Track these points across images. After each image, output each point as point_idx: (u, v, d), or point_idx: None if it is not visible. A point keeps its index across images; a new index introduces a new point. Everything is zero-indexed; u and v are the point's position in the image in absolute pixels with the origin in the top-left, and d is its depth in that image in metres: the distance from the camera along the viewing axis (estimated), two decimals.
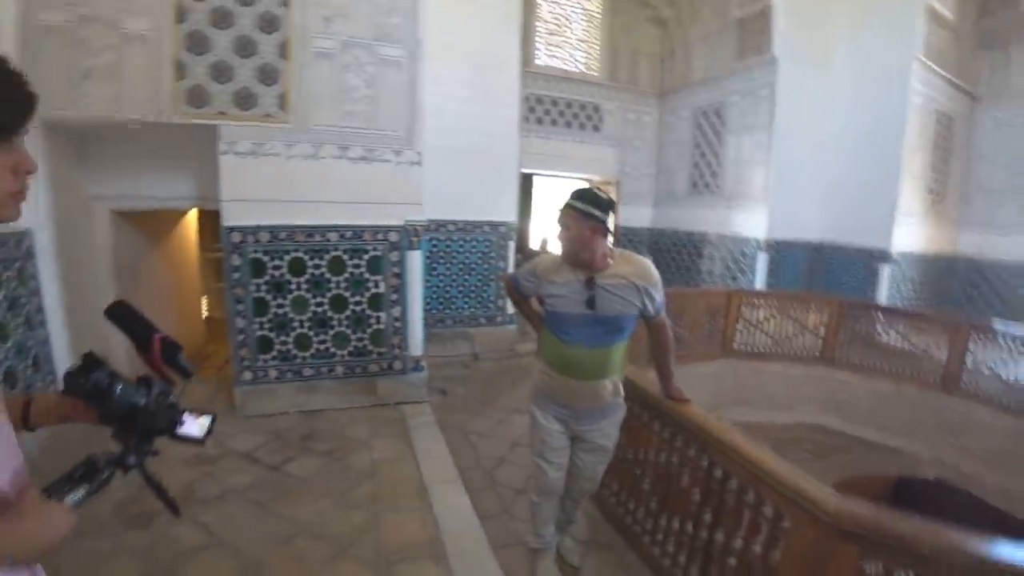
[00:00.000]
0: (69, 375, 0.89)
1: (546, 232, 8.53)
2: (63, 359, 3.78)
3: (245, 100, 3.70)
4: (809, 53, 7.14)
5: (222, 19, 3.66)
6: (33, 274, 3.51)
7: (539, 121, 8.52)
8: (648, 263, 2.12)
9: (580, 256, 2.04)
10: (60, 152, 3.82)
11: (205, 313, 6.71)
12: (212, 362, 5.44)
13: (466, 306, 5.77)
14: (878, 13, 7.08)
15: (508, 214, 5.74)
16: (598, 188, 2.12)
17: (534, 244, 8.42)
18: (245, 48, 3.69)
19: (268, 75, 3.73)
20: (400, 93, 4.01)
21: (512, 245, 5.88)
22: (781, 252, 7.40)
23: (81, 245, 4.06)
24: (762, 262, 7.37)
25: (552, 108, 8.68)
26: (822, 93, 7.34)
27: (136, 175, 4.15)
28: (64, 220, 3.84)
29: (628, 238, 9.55)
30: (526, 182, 8.77)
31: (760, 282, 7.36)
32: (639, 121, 9.42)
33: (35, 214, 3.56)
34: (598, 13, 9.06)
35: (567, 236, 2.05)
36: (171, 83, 3.59)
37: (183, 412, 1.02)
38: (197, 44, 3.62)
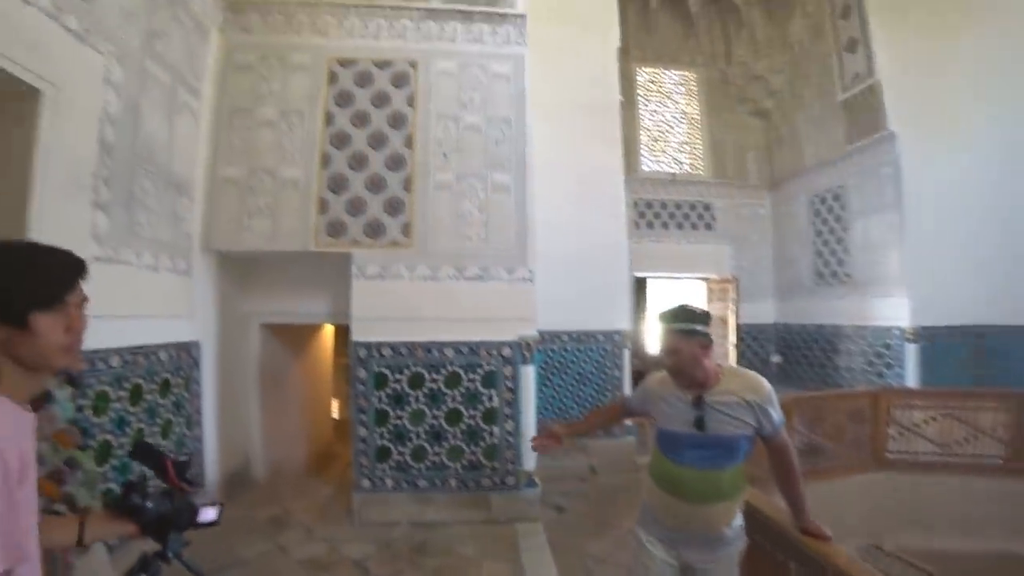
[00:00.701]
0: (114, 503, 1.23)
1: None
2: (212, 455, 4.25)
3: (374, 230, 4.16)
4: (933, 124, 6.67)
5: (358, 162, 4.25)
6: (197, 379, 4.08)
7: (650, 225, 8.62)
8: (758, 377, 1.98)
9: (693, 375, 1.93)
10: (227, 277, 4.55)
11: (336, 415, 7.19)
12: (337, 463, 5.72)
13: (582, 416, 5.63)
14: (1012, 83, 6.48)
15: (622, 322, 5.69)
16: (687, 304, 2.05)
17: (651, 349, 8.13)
18: (376, 185, 4.22)
19: (394, 207, 4.20)
20: (511, 215, 4.28)
21: (628, 354, 5.74)
22: (932, 341, 6.50)
23: (235, 355, 4.66)
24: (911, 354, 6.50)
25: (662, 211, 8.78)
26: (956, 164, 6.71)
27: (284, 294, 4.78)
28: (224, 333, 4.49)
29: (752, 335, 8.95)
30: (640, 286, 8.72)
31: (911, 377, 6.48)
32: (753, 215, 9.15)
33: (203, 329, 4.19)
34: (698, 115, 9.25)
35: (677, 359, 1.94)
36: (315, 218, 4.17)
37: (199, 508, 1.37)
38: (337, 184, 4.22)
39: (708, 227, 8.96)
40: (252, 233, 4.18)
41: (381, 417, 4.09)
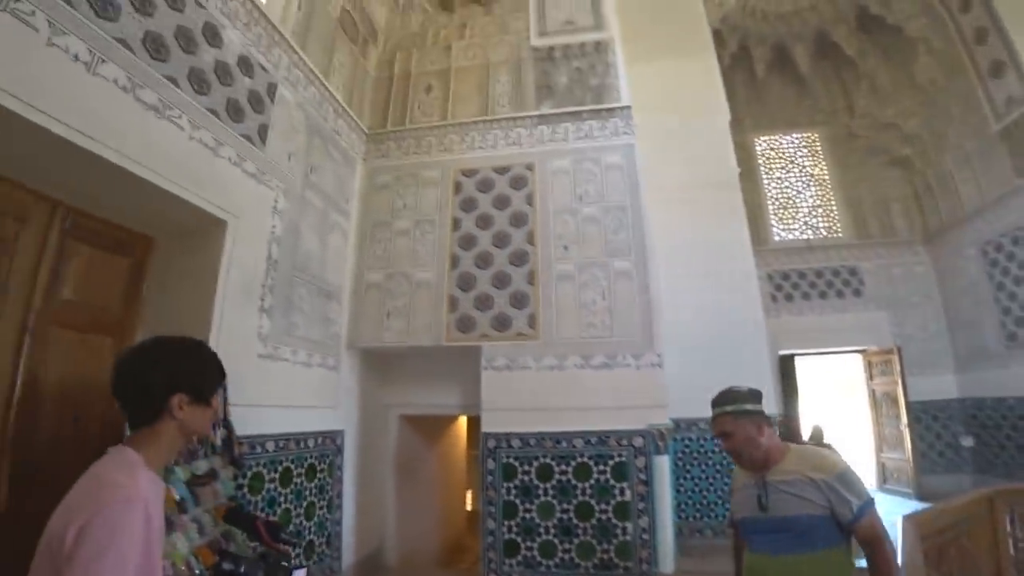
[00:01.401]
0: (210, 568, 1.34)
1: (818, 419, 7.34)
2: (349, 538, 4.46)
3: (501, 323, 4.36)
4: None
5: (484, 261, 4.57)
6: (339, 466, 4.39)
7: (788, 297, 8.05)
8: (831, 454, 1.87)
9: (752, 457, 1.87)
10: (369, 371, 4.97)
11: (469, 506, 7.25)
12: (468, 555, 5.69)
13: (727, 513, 5.09)
14: None
15: (766, 404, 5.19)
16: (735, 386, 1.99)
17: (805, 433, 7.25)
18: (501, 281, 4.47)
19: (519, 300, 4.39)
20: (634, 301, 4.27)
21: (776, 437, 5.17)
22: None
23: (374, 444, 4.98)
24: None
25: (800, 281, 8.18)
26: None
27: (419, 387, 5.10)
28: (365, 423, 4.84)
29: (931, 415, 7.68)
30: (787, 365, 7.99)
31: None
32: (908, 274, 8.15)
33: (347, 418, 4.56)
34: (827, 175, 8.69)
35: (731, 443, 1.90)
36: (445, 315, 4.49)
37: (292, 571, 1.44)
38: (465, 282, 4.53)
39: (856, 293, 8.10)
40: (391, 331, 4.59)
41: (509, 510, 4.06)
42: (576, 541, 3.93)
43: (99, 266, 2.93)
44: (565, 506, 3.98)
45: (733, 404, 1.91)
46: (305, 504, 3.93)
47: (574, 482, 3.99)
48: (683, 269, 5.29)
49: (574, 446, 4.03)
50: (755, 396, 1.94)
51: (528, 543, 4.01)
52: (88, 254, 2.84)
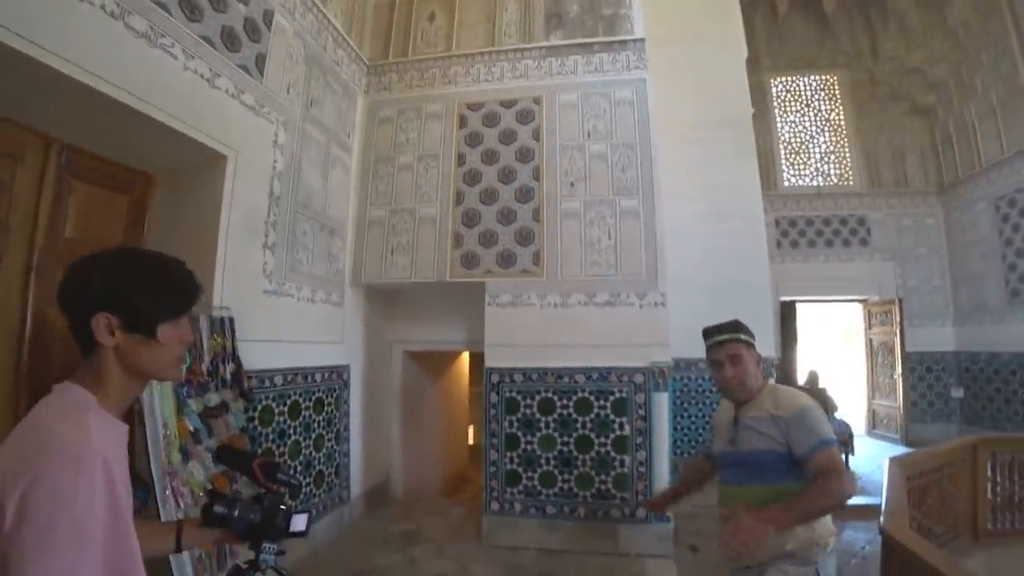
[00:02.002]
0: (202, 512, 1.17)
1: (815, 365, 7.43)
2: (357, 469, 4.64)
3: (506, 260, 4.33)
4: None
5: (489, 197, 4.49)
6: (346, 400, 4.51)
7: (794, 244, 7.97)
8: (798, 394, 1.88)
9: (748, 388, 1.90)
10: (373, 308, 5.02)
11: (471, 441, 7.48)
12: (471, 487, 5.92)
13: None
14: None
15: (765, 348, 5.21)
16: (738, 320, 2.00)
17: (801, 378, 7.37)
18: (506, 217, 4.41)
19: (524, 237, 4.35)
20: (640, 240, 4.22)
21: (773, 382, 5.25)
22: None
23: (379, 379, 5.10)
24: None
25: (807, 228, 8.08)
26: None
27: (424, 323, 5.17)
28: (370, 359, 4.93)
29: (926, 366, 7.79)
30: (788, 311, 8.02)
31: None
32: (918, 226, 8.05)
33: (352, 354, 4.64)
34: (843, 120, 8.42)
35: (739, 372, 1.90)
36: (450, 251, 4.45)
37: (291, 515, 1.27)
38: (470, 219, 4.48)
39: (863, 243, 8.03)
40: (395, 268, 4.58)
41: (512, 442, 4.17)
42: (575, 472, 4.06)
43: (99, 204, 2.89)
44: (565, 439, 4.09)
45: (746, 333, 1.94)
46: (314, 436, 4.06)
47: (575, 416, 4.08)
48: (690, 210, 5.20)
49: (575, 381, 4.09)
50: (752, 333, 1.98)
51: (529, 473, 4.14)
52: (87, 192, 2.79)
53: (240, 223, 3.28)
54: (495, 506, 4.17)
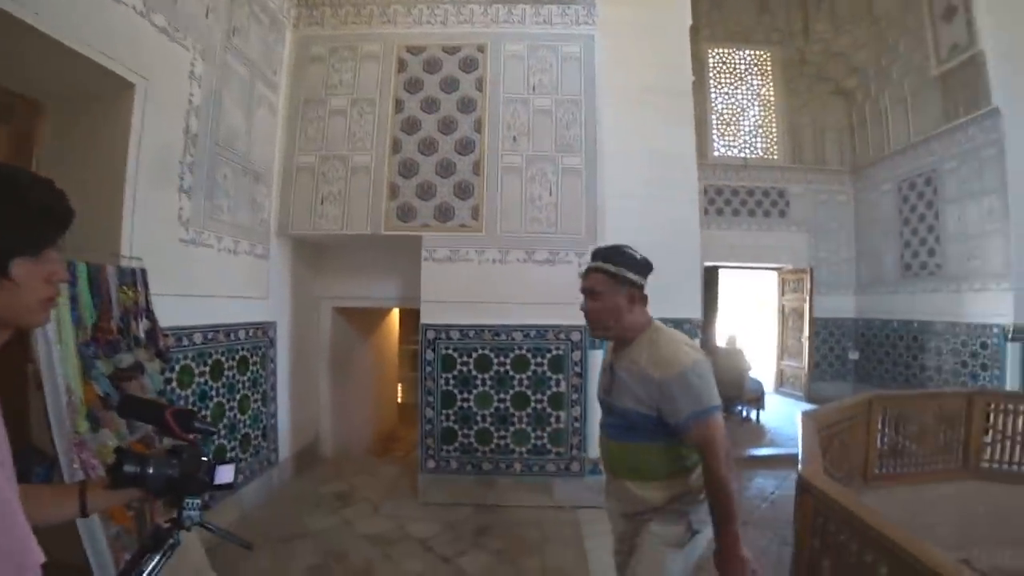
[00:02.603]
0: (109, 472, 1.03)
1: (733, 328, 7.88)
2: (285, 431, 4.46)
3: (444, 213, 4.18)
4: None
5: (428, 147, 4.28)
6: (272, 358, 4.29)
7: (719, 212, 8.28)
8: (677, 346, 1.61)
9: (606, 329, 1.71)
10: (301, 261, 4.74)
11: (400, 399, 7.38)
12: (401, 445, 5.86)
13: None
14: None
15: (692, 310, 5.45)
16: (627, 246, 1.74)
17: (720, 340, 7.80)
18: (445, 169, 4.24)
19: (464, 190, 4.20)
20: (581, 199, 4.20)
21: (697, 343, 5.49)
22: None
23: (307, 336, 4.87)
24: (1014, 355, 5.92)
25: (732, 197, 8.41)
26: None
27: (355, 279, 4.96)
28: (298, 315, 4.69)
29: (829, 330, 8.46)
30: (710, 276, 8.38)
31: (1011, 380, 5.92)
32: (831, 202, 8.61)
33: (279, 310, 4.40)
34: (773, 96, 8.76)
35: (593, 304, 1.69)
36: (385, 202, 4.24)
37: (215, 466, 1.15)
38: (407, 169, 4.26)
39: (782, 215, 8.50)
40: (325, 219, 4.31)
41: (448, 399, 4.12)
42: (512, 429, 4.09)
43: None
44: (502, 396, 4.09)
45: (615, 264, 1.67)
46: (239, 397, 3.84)
47: (512, 373, 4.08)
48: (628, 173, 5.20)
49: (513, 339, 4.08)
50: (642, 267, 1.69)
51: (465, 431, 4.13)
52: None
53: (151, 163, 2.94)
54: (431, 464, 4.14)
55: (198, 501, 1.12)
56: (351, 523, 3.79)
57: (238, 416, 3.85)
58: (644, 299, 1.69)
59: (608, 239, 4.21)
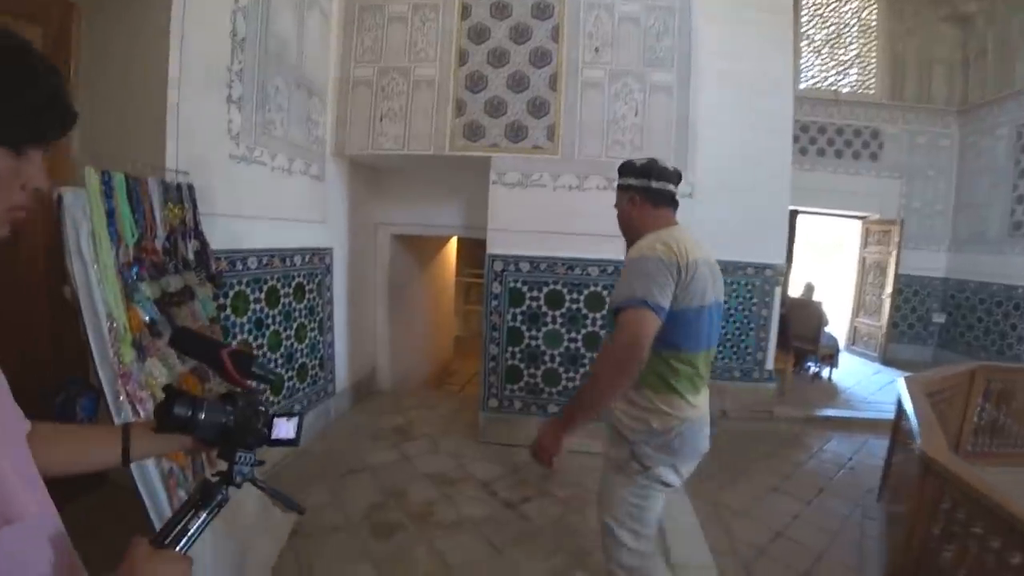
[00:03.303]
0: (157, 413, 0.90)
1: (811, 277, 7.25)
2: (343, 361, 4.33)
3: (516, 133, 3.76)
4: None
5: (498, 58, 3.81)
6: (329, 286, 4.10)
7: (802, 151, 7.45)
8: (652, 239, 1.61)
9: (626, 233, 1.82)
10: (359, 184, 4.47)
11: (455, 332, 7.27)
12: (456, 379, 5.73)
13: (720, 356, 5.05)
14: None
15: (776, 255, 4.93)
16: (634, 158, 1.82)
17: (794, 291, 7.21)
18: (518, 83, 3.78)
19: (538, 108, 3.75)
20: (671, 120, 3.69)
21: (779, 291, 5.00)
22: None
23: (365, 264, 4.68)
24: None
25: (819, 136, 7.53)
26: None
27: (415, 204, 4.68)
28: (355, 242, 4.47)
29: (913, 289, 7.73)
30: (789, 220, 7.67)
31: None
32: (931, 146, 7.64)
33: (336, 236, 4.18)
34: (875, 21, 7.70)
35: (617, 215, 1.87)
36: (450, 120, 3.84)
37: (273, 418, 1.01)
38: (475, 83, 3.82)
39: (873, 157, 7.60)
40: (384, 137, 3.96)
41: (514, 336, 3.83)
42: (583, 371, 3.79)
43: None
44: (573, 335, 3.77)
45: (618, 175, 1.82)
46: (295, 326, 3.68)
47: (585, 311, 3.73)
48: (717, 98, 4.62)
49: (588, 274, 3.70)
50: (641, 170, 1.73)
51: (532, 370, 3.85)
52: None
53: (196, 69, 2.63)
54: (493, 403, 3.91)
55: (252, 456, 0.97)
56: (411, 459, 3.64)
57: (295, 345, 3.71)
58: (654, 201, 1.72)
59: (698, 168, 3.73)
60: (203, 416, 0.89)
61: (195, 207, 2.38)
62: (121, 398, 1.71)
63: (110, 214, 1.78)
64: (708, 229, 4.48)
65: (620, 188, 1.80)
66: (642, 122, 3.69)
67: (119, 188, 1.85)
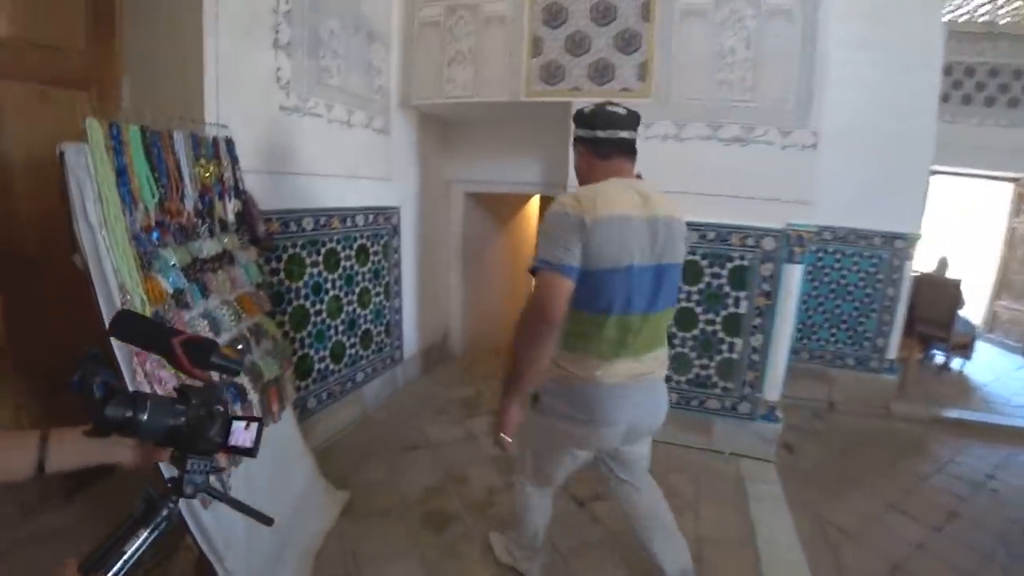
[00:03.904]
0: (91, 412, 0.73)
1: (944, 250, 6.15)
2: (411, 327, 4.12)
3: (601, 72, 3.21)
4: None
5: None
6: (396, 248, 3.86)
7: (944, 98, 6.19)
8: (571, 196, 1.49)
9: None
10: (428, 138, 4.16)
11: None
12: None
13: (831, 339, 4.34)
14: None
15: (911, 223, 4.08)
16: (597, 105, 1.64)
17: (924, 265, 6.11)
18: (603, 15, 3.20)
19: (627, 42, 3.17)
20: (793, 54, 2.97)
21: (910, 265, 4.17)
22: None
23: (436, 224, 4.40)
24: None
25: (965, 79, 6.24)
26: None
27: (490, 160, 4.30)
28: (425, 200, 4.19)
29: None
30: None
31: None
32: None
33: (403, 194, 3.90)
34: None
35: None
36: (526, 60, 3.36)
37: (231, 422, 0.84)
38: (553, 16, 3.29)
39: None
40: (453, 84, 3.57)
41: None
42: (671, 352, 3.28)
43: None
44: None
45: (576, 124, 1.68)
46: (358, 290, 3.47)
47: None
48: (847, 29, 3.78)
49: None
50: (586, 118, 1.61)
51: None
52: None
53: (236, 9, 2.36)
54: None
55: (208, 463, 0.82)
56: (476, 438, 3.38)
57: (358, 311, 3.51)
58: (601, 152, 1.61)
59: (825, 114, 3.03)
60: (145, 416, 0.74)
61: (235, 163, 2.12)
62: (139, 378, 1.48)
63: (121, 172, 1.52)
64: (830, 189, 3.77)
65: (573, 141, 1.69)
66: (755, 56, 3.01)
67: (134, 143, 1.58)
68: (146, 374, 1.50)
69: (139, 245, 1.54)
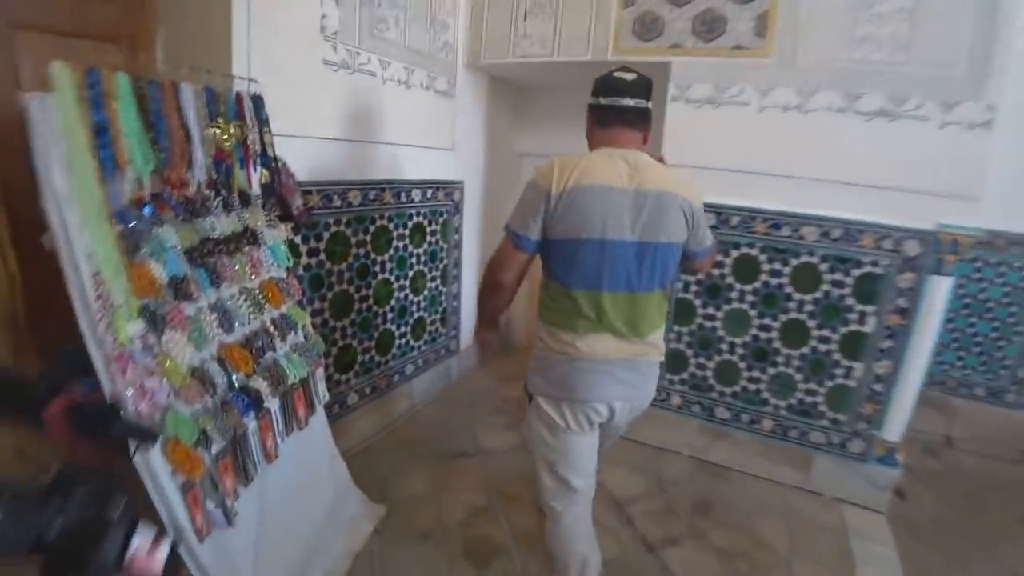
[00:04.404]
0: None
1: None
2: (470, 314, 3.77)
3: (709, 27, 2.63)
4: None
5: None
6: (457, 227, 3.52)
7: None
8: (551, 164, 1.44)
9: None
10: (499, 104, 3.77)
11: None
12: None
13: (958, 363, 3.61)
14: None
15: None
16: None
17: None
18: None
19: None
20: (963, 4, 2.30)
21: None
22: None
23: (505, 202, 4.05)
24: None
25: None
26: None
27: (568, 129, 3.76)
28: (493, 175, 3.82)
29: None
30: None
31: None
32: None
33: (467, 167, 3.53)
34: None
35: None
36: (615, 11, 2.83)
37: (134, 530, 0.57)
38: None
39: None
40: (529, 40, 3.10)
41: (685, 311, 2.88)
42: (773, 371, 2.75)
43: None
44: (767, 322, 2.70)
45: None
46: (411, 274, 3.15)
47: (789, 291, 2.64)
48: None
49: (801, 236, 2.56)
50: (598, 85, 1.55)
51: (701, 360, 2.92)
52: None
53: None
54: None
55: None
56: (530, 450, 3.00)
57: (410, 297, 3.19)
58: (601, 121, 1.54)
59: (1007, 84, 2.34)
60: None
61: (263, 125, 1.73)
62: (119, 387, 1.15)
63: (100, 131, 1.17)
64: (1004, 177, 3.00)
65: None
66: (913, 3, 2.35)
67: (121, 95, 1.22)
68: (134, 384, 1.18)
69: (124, 222, 1.20)
